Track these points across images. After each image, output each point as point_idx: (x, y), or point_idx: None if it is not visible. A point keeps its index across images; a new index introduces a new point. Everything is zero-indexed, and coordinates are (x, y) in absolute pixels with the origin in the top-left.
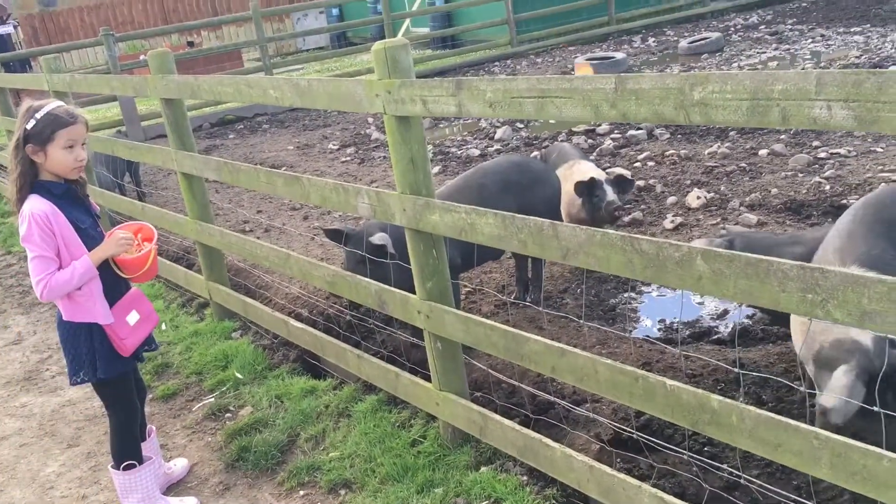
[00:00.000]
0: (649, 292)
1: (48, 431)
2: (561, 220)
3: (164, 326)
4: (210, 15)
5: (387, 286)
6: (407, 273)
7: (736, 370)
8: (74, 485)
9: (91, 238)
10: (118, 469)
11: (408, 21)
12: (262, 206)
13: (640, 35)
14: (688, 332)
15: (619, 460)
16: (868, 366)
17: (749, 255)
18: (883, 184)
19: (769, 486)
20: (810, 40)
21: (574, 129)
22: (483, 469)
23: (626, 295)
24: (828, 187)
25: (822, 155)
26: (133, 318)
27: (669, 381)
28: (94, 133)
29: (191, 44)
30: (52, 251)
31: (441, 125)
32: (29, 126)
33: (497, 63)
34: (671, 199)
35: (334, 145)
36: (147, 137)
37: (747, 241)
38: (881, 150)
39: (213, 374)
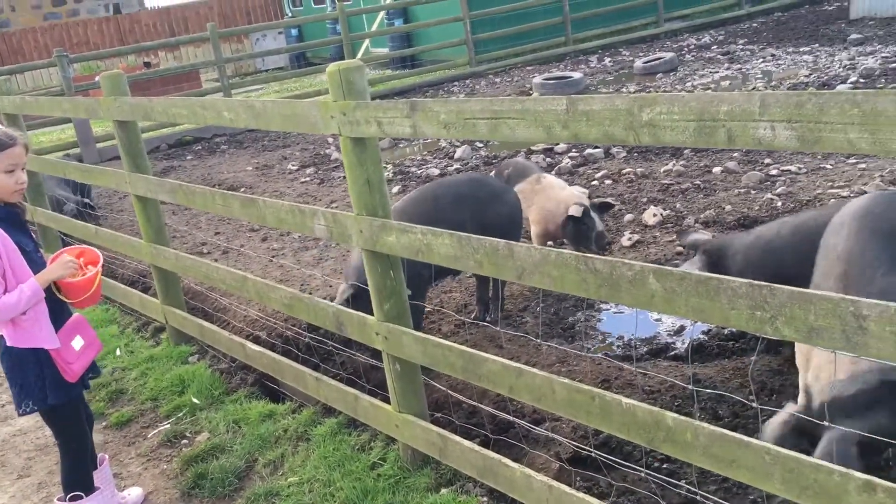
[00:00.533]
0: (608, 309)
1: None
2: (519, 237)
3: (118, 352)
4: (167, 35)
5: (344, 308)
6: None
7: (690, 387)
8: None
9: (34, 262)
10: (65, 500)
11: (367, 41)
12: (220, 228)
13: (596, 55)
14: (645, 349)
15: (578, 479)
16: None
17: (700, 273)
18: (857, 194)
19: (726, 503)
20: (761, 60)
21: (533, 148)
22: (443, 491)
23: (584, 313)
24: (780, 203)
25: (774, 172)
26: (78, 342)
27: (625, 400)
28: (46, 156)
29: (147, 64)
30: None
31: (401, 145)
32: None
33: (456, 83)
34: (628, 217)
35: (294, 166)
36: (103, 159)
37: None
38: (830, 167)
39: (170, 399)
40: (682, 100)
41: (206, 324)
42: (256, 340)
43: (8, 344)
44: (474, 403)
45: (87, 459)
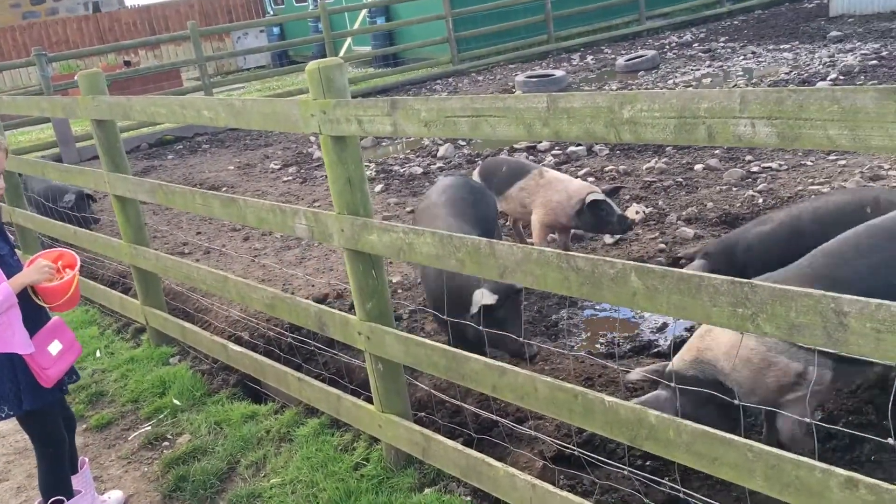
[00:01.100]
0: (591, 307)
1: None
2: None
3: (98, 353)
4: (147, 34)
5: (325, 307)
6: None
7: (673, 385)
8: None
9: (9, 266)
10: None
11: (349, 39)
12: (201, 228)
13: (578, 53)
14: (628, 347)
15: (562, 477)
16: None
17: (681, 271)
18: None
19: (709, 500)
20: (742, 57)
21: (515, 146)
22: (427, 490)
23: (567, 311)
24: (761, 200)
25: (755, 169)
26: (55, 347)
27: (608, 398)
28: (25, 155)
29: (127, 63)
30: None
31: (384, 143)
32: None
33: (439, 81)
34: None
35: (276, 165)
36: (83, 159)
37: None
38: (811, 163)
39: (150, 401)
40: (663, 97)
41: (187, 325)
42: (238, 341)
43: None
44: (458, 403)
45: (65, 464)
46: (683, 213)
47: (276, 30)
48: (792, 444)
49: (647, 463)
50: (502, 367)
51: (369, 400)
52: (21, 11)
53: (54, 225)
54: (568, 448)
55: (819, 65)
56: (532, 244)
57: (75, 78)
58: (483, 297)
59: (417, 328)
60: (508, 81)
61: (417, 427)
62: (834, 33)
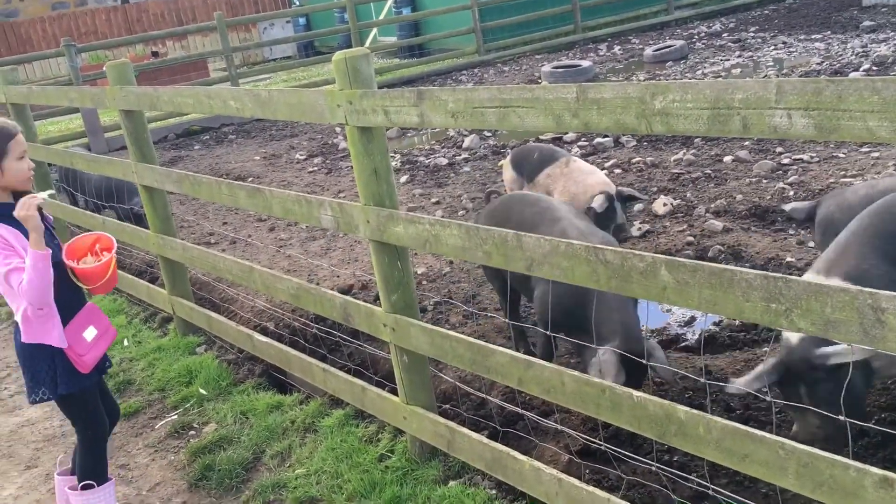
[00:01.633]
0: None
1: (6, 453)
2: None
3: (126, 342)
4: (174, 25)
5: (351, 299)
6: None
7: (702, 380)
8: None
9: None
10: (77, 489)
11: (375, 30)
12: (227, 218)
13: (605, 43)
14: (656, 340)
15: (587, 472)
16: None
17: (713, 265)
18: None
19: (737, 497)
20: (772, 48)
21: (541, 137)
22: (451, 483)
23: None
24: (791, 193)
25: (786, 161)
26: (90, 333)
27: (636, 393)
28: (54, 145)
29: (155, 54)
30: (17, 260)
31: (409, 134)
32: None
33: (464, 72)
34: (638, 207)
35: (301, 155)
36: (111, 149)
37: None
38: (843, 155)
39: (177, 390)
40: (696, 87)
41: (213, 314)
42: (264, 331)
43: (22, 340)
44: (482, 395)
45: (104, 448)
46: (712, 205)
47: (301, 20)
48: None
49: (675, 458)
50: (528, 361)
51: (394, 391)
52: (51, 2)
53: (83, 214)
54: (594, 442)
55: (851, 55)
56: None
57: (104, 68)
58: (597, 367)
59: (442, 320)
60: (535, 72)
61: (442, 419)
62: (867, 23)
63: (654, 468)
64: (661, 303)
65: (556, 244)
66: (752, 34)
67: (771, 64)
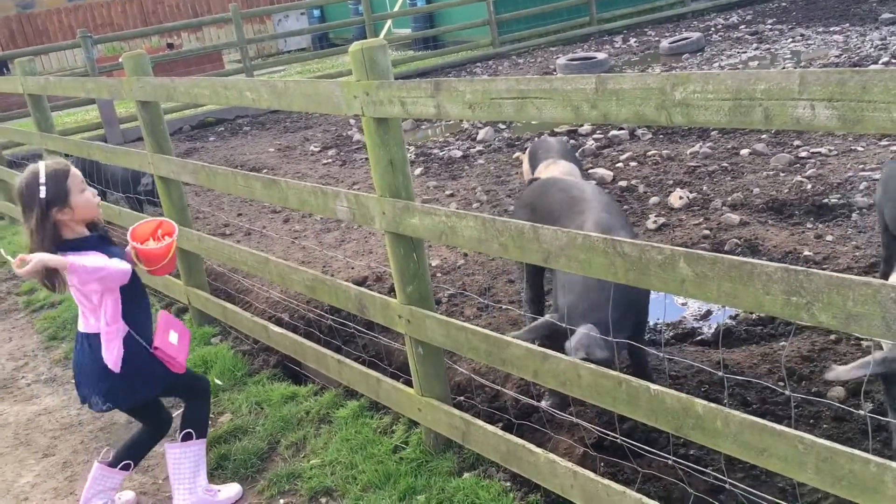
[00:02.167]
0: None
1: (23, 441)
2: None
3: None
4: (190, 16)
5: (366, 290)
6: None
7: (719, 373)
8: (49, 496)
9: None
10: (115, 467)
11: (389, 22)
12: (242, 210)
13: (621, 35)
14: (671, 334)
15: (602, 465)
16: None
17: (733, 257)
18: None
19: (753, 490)
20: (790, 40)
21: (556, 130)
22: (466, 475)
23: None
24: (809, 186)
25: (804, 154)
26: (174, 337)
27: (653, 386)
28: (71, 136)
29: (170, 45)
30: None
31: (423, 126)
32: (43, 195)
33: (479, 64)
34: (654, 200)
35: (316, 147)
36: (127, 140)
37: None
38: (861, 148)
39: None
40: (717, 78)
41: (228, 305)
42: (279, 322)
43: (116, 371)
44: (497, 387)
45: (157, 442)
46: (729, 198)
47: (316, 12)
48: None
49: (690, 452)
50: (544, 353)
51: (409, 383)
52: None
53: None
54: (609, 435)
55: (870, 48)
56: None
57: (119, 60)
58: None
59: (457, 312)
60: (549, 64)
61: (457, 411)
62: (886, 15)
63: (670, 461)
64: (680, 296)
65: (574, 236)
66: (770, 26)
67: (789, 56)
